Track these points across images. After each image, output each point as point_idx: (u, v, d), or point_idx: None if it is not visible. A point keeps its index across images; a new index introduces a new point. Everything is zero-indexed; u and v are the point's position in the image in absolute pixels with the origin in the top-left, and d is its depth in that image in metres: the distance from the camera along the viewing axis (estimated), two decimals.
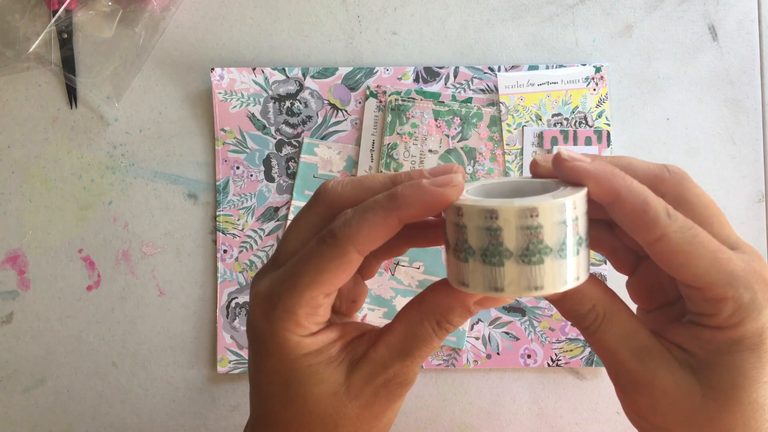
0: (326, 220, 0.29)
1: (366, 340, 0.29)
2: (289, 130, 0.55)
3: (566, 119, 0.55)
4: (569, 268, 0.25)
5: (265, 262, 0.54)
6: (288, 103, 0.55)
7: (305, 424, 0.28)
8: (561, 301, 0.28)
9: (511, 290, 0.25)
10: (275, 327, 0.27)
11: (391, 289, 0.54)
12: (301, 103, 0.55)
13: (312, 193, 0.54)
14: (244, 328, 0.54)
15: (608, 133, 0.54)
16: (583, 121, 0.55)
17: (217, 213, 0.54)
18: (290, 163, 0.55)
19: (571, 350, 0.54)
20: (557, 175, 0.27)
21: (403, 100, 0.54)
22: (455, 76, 0.55)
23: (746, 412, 0.26)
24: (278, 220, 0.54)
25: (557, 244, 0.24)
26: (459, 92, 0.55)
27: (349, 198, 0.28)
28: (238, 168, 0.54)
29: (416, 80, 0.55)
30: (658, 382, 0.27)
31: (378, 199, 0.27)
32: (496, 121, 0.55)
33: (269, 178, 0.55)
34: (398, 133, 0.54)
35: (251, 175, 0.54)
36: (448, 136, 0.54)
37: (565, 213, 0.24)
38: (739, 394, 0.26)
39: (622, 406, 0.30)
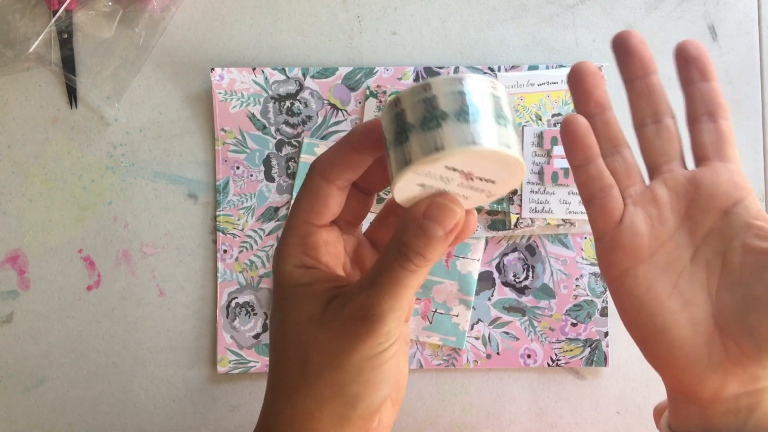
0: None
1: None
2: (289, 130, 0.55)
3: None
4: (470, 131, 0.26)
5: (266, 262, 0.54)
6: (288, 103, 0.55)
7: (284, 349, 0.30)
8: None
9: (416, 158, 0.26)
10: (276, 260, 0.32)
11: None
12: (301, 103, 0.55)
13: None
14: (244, 328, 0.54)
15: None
16: None
17: (217, 213, 0.54)
18: (290, 163, 0.55)
19: (571, 350, 0.54)
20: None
21: None
22: None
23: None
24: (278, 220, 0.54)
25: (454, 111, 0.26)
26: None
27: None
28: (238, 168, 0.54)
29: (416, 80, 0.55)
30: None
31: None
32: None
33: (269, 178, 0.55)
34: None
35: (251, 175, 0.55)
36: None
37: (456, 85, 0.26)
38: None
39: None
